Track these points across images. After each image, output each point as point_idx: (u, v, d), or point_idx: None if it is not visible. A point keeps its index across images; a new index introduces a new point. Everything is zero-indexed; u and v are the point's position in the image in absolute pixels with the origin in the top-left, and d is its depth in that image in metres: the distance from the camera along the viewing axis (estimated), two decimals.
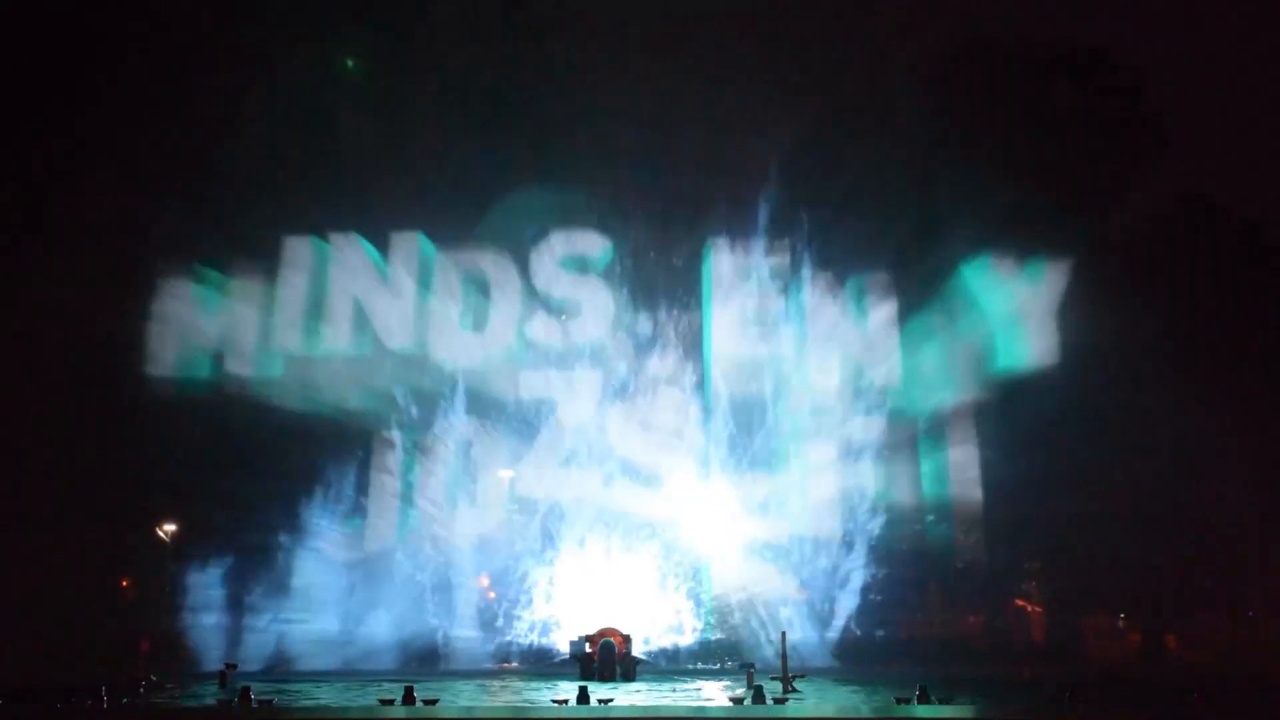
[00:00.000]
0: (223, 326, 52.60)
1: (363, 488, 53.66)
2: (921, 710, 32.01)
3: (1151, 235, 59.50)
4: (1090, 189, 59.29)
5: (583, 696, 33.62)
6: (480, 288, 52.92)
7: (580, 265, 52.96)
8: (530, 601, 55.08)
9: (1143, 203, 60.97)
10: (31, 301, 50.09)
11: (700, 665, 52.78)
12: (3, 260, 50.73)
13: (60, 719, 30.05)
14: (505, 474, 55.85)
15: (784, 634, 41.21)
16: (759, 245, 53.26)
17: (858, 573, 55.07)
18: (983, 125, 58.00)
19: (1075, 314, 54.78)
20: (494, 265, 52.98)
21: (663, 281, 52.51)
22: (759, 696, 34.41)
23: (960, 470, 55.73)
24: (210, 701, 36.47)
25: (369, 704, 33.26)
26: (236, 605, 54.83)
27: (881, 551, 56.77)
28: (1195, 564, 55.11)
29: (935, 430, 55.33)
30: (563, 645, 50.22)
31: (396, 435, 53.04)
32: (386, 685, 37.59)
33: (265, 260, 53.23)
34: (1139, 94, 59.56)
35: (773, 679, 37.39)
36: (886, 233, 54.04)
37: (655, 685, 43.05)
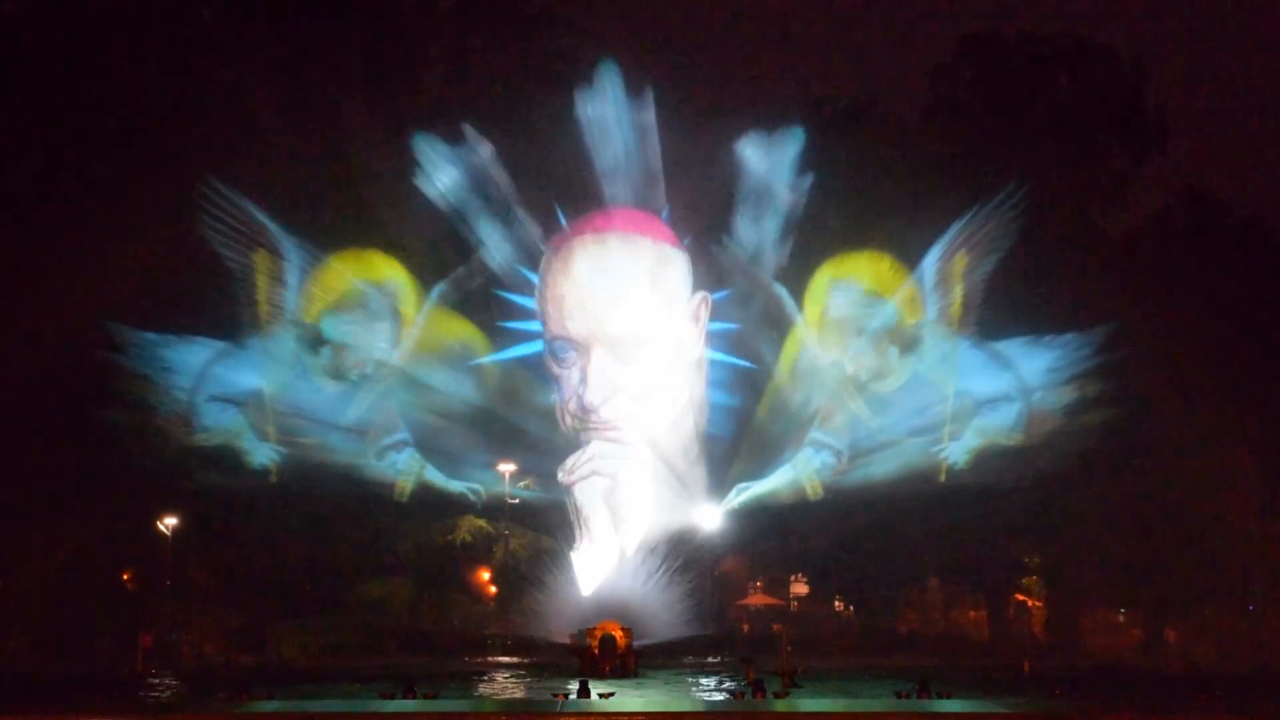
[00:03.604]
0: None
1: None
2: (921, 705, 32.01)
3: (1152, 230, 59.59)
4: (1091, 185, 59.38)
5: (583, 691, 33.68)
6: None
7: None
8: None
9: (1143, 199, 61.12)
10: (36, 302, 50.14)
11: (700, 659, 52.74)
12: (9, 259, 50.78)
13: (61, 717, 30.04)
14: (507, 470, 55.81)
15: (784, 628, 41.26)
16: None
17: None
18: (983, 121, 58.03)
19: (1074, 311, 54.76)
20: None
21: None
22: (758, 691, 34.41)
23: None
24: (211, 699, 36.44)
25: (370, 699, 33.26)
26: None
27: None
28: (1195, 558, 55.07)
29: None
30: (563, 638, 50.20)
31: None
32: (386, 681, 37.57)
33: None
34: (1140, 90, 59.51)
35: (772, 674, 37.38)
36: None
37: (655, 679, 43.10)
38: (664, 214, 56.17)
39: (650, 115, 54.59)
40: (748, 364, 56.32)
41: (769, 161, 54.95)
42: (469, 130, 54.16)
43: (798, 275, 55.72)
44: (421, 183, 53.84)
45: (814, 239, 55.37)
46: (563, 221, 55.91)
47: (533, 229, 55.49)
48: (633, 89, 54.73)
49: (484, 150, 54.19)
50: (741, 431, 55.94)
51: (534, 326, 56.23)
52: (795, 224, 55.10)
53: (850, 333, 55.15)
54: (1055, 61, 59.62)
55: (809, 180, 54.82)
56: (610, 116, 54.45)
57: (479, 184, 54.35)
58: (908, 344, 54.71)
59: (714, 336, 56.68)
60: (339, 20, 55.34)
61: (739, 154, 55.03)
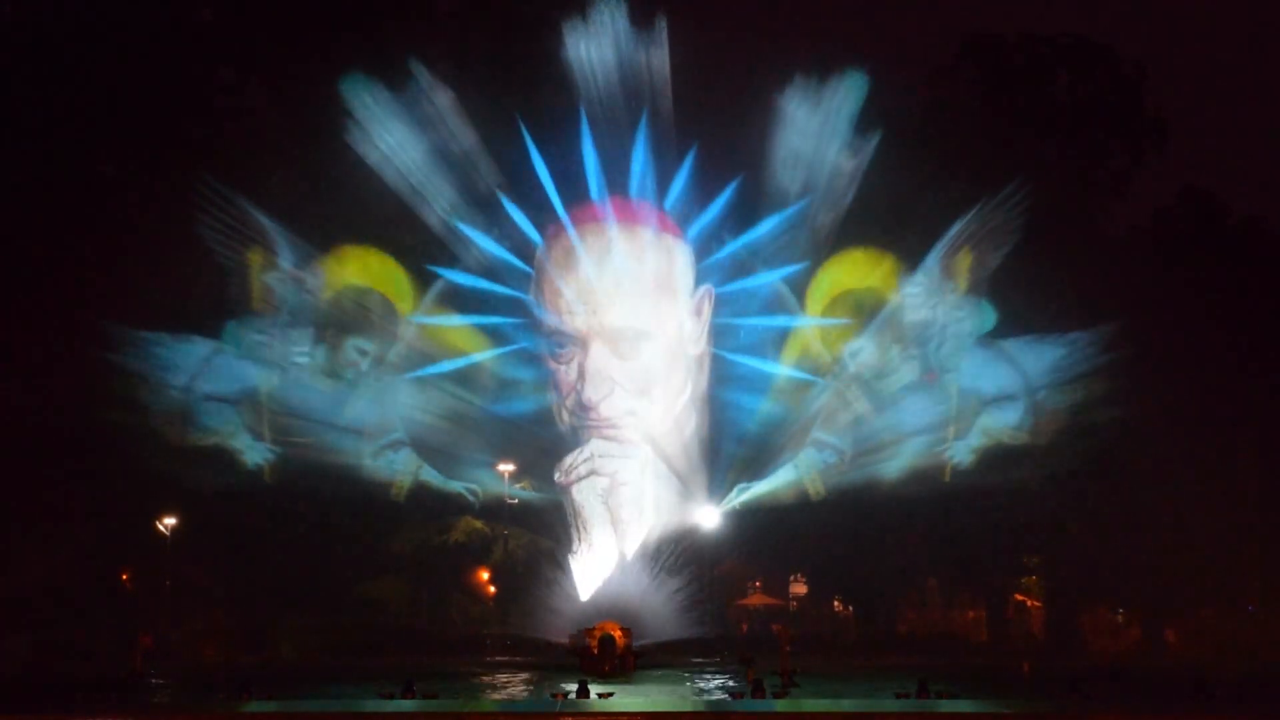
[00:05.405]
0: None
1: None
2: (921, 705, 32.00)
3: (1152, 230, 59.61)
4: (1091, 184, 59.39)
5: (582, 691, 33.66)
6: None
7: None
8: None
9: (1144, 198, 61.12)
10: (33, 302, 50.17)
11: (700, 659, 52.70)
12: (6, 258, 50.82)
13: (61, 718, 30.04)
14: (506, 469, 55.65)
15: (784, 628, 41.17)
16: None
17: None
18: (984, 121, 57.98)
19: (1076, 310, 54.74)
20: None
21: None
22: (758, 691, 34.40)
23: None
24: (211, 699, 36.42)
25: (369, 699, 33.27)
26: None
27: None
28: (1195, 558, 55.04)
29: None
30: (563, 638, 50.14)
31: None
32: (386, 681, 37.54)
33: None
34: (1140, 90, 59.53)
35: (772, 674, 37.37)
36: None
37: (654, 679, 43.07)
38: (669, 196, 55.62)
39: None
40: (750, 361, 56.13)
41: (819, 119, 54.05)
42: (467, 127, 53.94)
43: (800, 272, 55.68)
44: (417, 178, 53.64)
45: (816, 236, 55.29)
46: (561, 212, 55.63)
47: (529, 221, 55.32)
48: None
49: (480, 144, 53.94)
50: (743, 430, 55.82)
51: (531, 321, 56.18)
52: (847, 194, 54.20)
53: (853, 331, 55.08)
54: (1055, 61, 59.66)
55: (872, 141, 53.79)
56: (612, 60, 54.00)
57: (476, 178, 54.09)
58: (911, 342, 54.65)
59: (717, 332, 56.59)
60: (337, 18, 55.29)
61: (778, 109, 53.98)
